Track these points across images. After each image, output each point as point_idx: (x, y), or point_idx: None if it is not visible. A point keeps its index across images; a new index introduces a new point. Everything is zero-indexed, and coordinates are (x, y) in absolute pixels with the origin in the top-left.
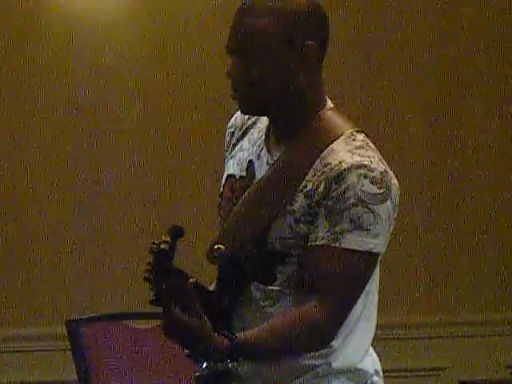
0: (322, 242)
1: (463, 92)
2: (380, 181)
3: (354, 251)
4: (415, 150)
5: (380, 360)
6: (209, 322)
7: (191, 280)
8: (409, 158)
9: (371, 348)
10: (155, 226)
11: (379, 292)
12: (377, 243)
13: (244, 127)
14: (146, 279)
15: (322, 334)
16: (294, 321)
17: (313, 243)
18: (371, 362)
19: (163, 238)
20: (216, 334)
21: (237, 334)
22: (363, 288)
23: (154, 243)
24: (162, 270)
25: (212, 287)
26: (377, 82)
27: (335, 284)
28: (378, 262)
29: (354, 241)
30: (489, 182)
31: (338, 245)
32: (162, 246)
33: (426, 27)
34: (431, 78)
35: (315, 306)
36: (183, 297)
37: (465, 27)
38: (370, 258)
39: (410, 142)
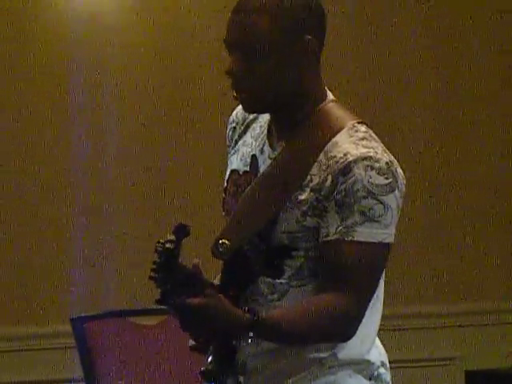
0: (335, 236)
1: (466, 90)
2: (386, 171)
3: (368, 243)
4: (418, 142)
5: (385, 351)
6: (224, 298)
7: (196, 260)
8: (411, 149)
9: (378, 340)
10: (158, 221)
11: (385, 282)
12: (388, 233)
13: (246, 122)
14: (151, 278)
15: (347, 325)
16: (321, 308)
17: (325, 238)
18: (378, 354)
19: (168, 236)
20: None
21: (260, 312)
22: (379, 278)
23: (159, 242)
24: (168, 269)
25: (215, 281)
26: (378, 78)
27: (353, 277)
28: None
29: (366, 233)
30: (493, 172)
31: (351, 238)
32: (168, 246)
33: (428, 27)
34: (433, 73)
35: (338, 298)
36: (191, 287)
37: (466, 26)
38: (383, 248)
39: (413, 137)
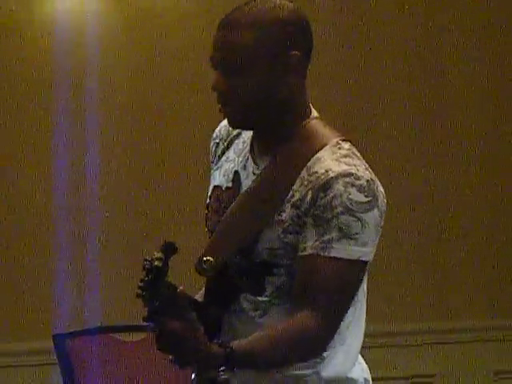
0: (311, 251)
1: (454, 93)
2: (367, 189)
3: (343, 260)
4: (406, 155)
5: (369, 368)
6: (203, 333)
7: (180, 288)
8: (397, 166)
9: (360, 357)
10: (143, 239)
11: (367, 300)
12: (365, 251)
13: (229, 138)
14: (138, 296)
15: (316, 342)
16: (288, 330)
17: (302, 253)
18: (360, 371)
19: (156, 254)
20: (210, 344)
21: (231, 343)
22: (353, 296)
23: (146, 260)
24: (155, 286)
25: (198, 297)
26: (365, 80)
27: (326, 293)
28: (366, 269)
29: (342, 249)
30: (484, 186)
31: (326, 254)
32: (156, 263)
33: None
34: (421, 78)
35: (307, 316)
36: (176, 308)
37: (453, 28)
38: (358, 266)
39: (402, 144)
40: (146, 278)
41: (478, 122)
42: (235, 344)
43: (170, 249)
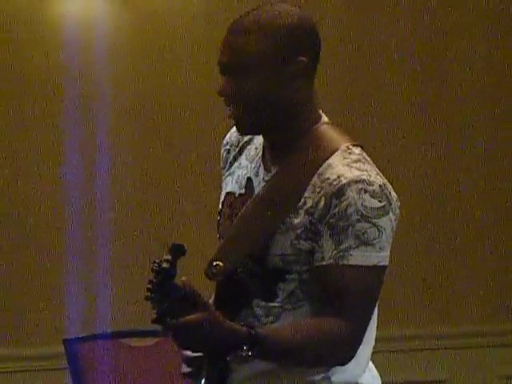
0: (330, 261)
1: (456, 91)
2: (380, 194)
3: (363, 267)
4: (409, 156)
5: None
6: (220, 313)
7: (183, 278)
8: (396, 168)
9: (371, 363)
10: (153, 243)
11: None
12: (383, 256)
13: (240, 144)
14: (147, 298)
15: (346, 348)
16: (319, 328)
17: (320, 263)
18: (371, 378)
19: (164, 256)
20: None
21: (257, 327)
22: (376, 301)
23: (154, 262)
24: (164, 289)
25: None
26: (367, 80)
27: (349, 301)
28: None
29: (360, 257)
30: (487, 189)
31: (345, 262)
32: (164, 265)
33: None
34: (422, 77)
35: (335, 321)
36: (187, 304)
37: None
38: (378, 271)
39: (404, 145)
40: (154, 280)
41: (480, 119)
42: (261, 329)
43: (178, 251)
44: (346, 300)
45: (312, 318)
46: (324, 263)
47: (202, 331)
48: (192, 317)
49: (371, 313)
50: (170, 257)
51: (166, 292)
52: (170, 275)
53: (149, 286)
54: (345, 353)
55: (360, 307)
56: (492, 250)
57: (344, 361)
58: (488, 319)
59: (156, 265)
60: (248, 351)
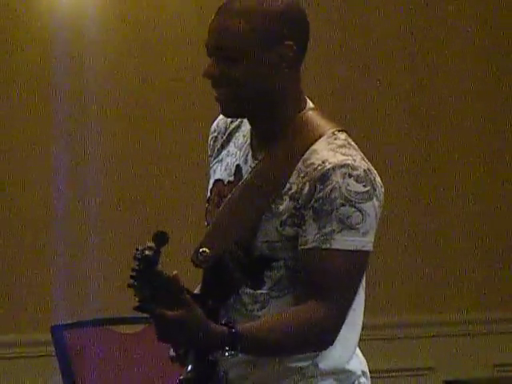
0: (313, 244)
1: (445, 91)
2: (364, 179)
3: (346, 251)
4: (399, 148)
5: (366, 361)
6: (202, 312)
7: (174, 272)
8: (392, 156)
9: (358, 349)
10: (142, 231)
11: (365, 293)
12: (366, 241)
13: (227, 132)
14: (130, 285)
15: (326, 333)
16: (297, 318)
17: (303, 247)
18: (358, 363)
19: (147, 244)
20: (212, 323)
21: (237, 325)
22: (358, 286)
23: (137, 249)
24: (147, 276)
25: (196, 291)
26: (361, 78)
27: (331, 284)
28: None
29: (343, 241)
30: (476, 181)
31: (328, 246)
32: (147, 253)
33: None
34: (413, 75)
35: (315, 307)
36: (169, 295)
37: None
38: (361, 256)
39: (394, 141)
40: (137, 268)
41: (474, 116)
42: (241, 325)
43: (161, 238)
44: (326, 283)
45: (291, 308)
46: (307, 246)
47: (182, 329)
48: (174, 313)
49: (352, 298)
50: (153, 244)
51: (149, 279)
52: (152, 262)
53: (132, 273)
54: (323, 338)
55: (340, 291)
56: (480, 238)
57: (323, 346)
58: (475, 307)
59: (139, 252)
60: (229, 350)
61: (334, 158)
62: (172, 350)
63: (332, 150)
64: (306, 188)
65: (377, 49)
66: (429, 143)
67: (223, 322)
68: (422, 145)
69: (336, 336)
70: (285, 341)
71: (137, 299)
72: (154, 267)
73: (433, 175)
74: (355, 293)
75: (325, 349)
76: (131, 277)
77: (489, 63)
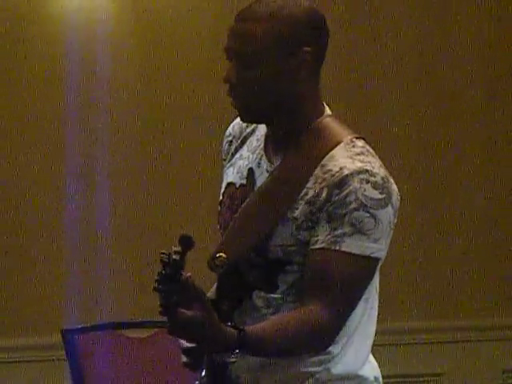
0: (322, 245)
1: (451, 95)
2: (381, 186)
3: (354, 255)
4: (403, 153)
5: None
6: (215, 314)
7: (188, 274)
8: (396, 162)
9: (371, 355)
10: (154, 235)
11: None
12: (377, 248)
13: (242, 136)
14: (155, 290)
15: (324, 334)
16: (297, 319)
17: (313, 246)
18: (370, 369)
19: (174, 248)
20: (223, 326)
21: (244, 327)
22: (362, 292)
23: (163, 253)
24: (173, 281)
25: (210, 294)
26: (365, 83)
27: (335, 286)
28: (378, 267)
29: (353, 244)
30: (481, 194)
31: (337, 248)
32: (174, 257)
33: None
34: (419, 82)
35: (317, 308)
36: (191, 297)
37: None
38: (369, 262)
39: (398, 144)
40: (164, 272)
41: (477, 108)
42: (248, 327)
43: (187, 242)
44: (331, 285)
45: (294, 310)
46: (317, 246)
47: (197, 330)
48: (191, 314)
49: (355, 302)
50: (179, 248)
51: (176, 284)
52: (179, 267)
53: (157, 277)
54: (322, 340)
55: (344, 295)
56: (492, 241)
57: (319, 348)
58: (486, 313)
59: (166, 256)
60: (237, 352)
61: (353, 165)
62: (184, 356)
63: (350, 156)
64: (324, 193)
65: (380, 41)
66: (434, 149)
67: (233, 325)
68: (427, 149)
69: (333, 338)
70: (285, 343)
71: (161, 303)
72: (180, 271)
73: (438, 177)
74: (359, 298)
75: (323, 350)
76: (156, 281)
77: (496, 57)
